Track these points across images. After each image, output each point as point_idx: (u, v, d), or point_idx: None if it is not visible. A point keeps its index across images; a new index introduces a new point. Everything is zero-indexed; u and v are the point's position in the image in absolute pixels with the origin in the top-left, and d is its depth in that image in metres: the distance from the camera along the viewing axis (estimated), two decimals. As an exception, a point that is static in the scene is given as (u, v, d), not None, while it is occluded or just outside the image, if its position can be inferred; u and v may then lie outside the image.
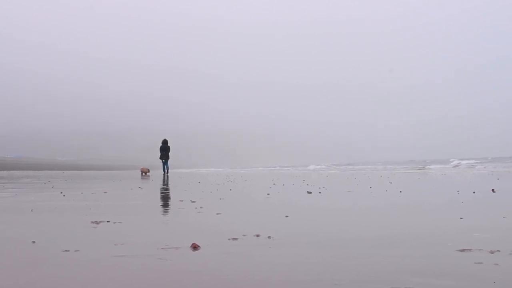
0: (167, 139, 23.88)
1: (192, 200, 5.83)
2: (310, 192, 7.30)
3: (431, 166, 31.27)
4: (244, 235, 3.09)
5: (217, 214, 4.43)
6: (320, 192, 7.41)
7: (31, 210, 4.82)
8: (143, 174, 23.18)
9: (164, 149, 23.66)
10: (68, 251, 2.62)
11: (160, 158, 23.59)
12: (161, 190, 8.95)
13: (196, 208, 4.97)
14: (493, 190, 7.04)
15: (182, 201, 5.90)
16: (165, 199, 6.84)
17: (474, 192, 7.09)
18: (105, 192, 7.71)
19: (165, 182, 13.21)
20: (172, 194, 7.89)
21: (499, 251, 2.53)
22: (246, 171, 34.44)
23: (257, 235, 3.09)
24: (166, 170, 23.43)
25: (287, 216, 4.14)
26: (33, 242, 2.90)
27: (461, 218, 3.95)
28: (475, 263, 2.29)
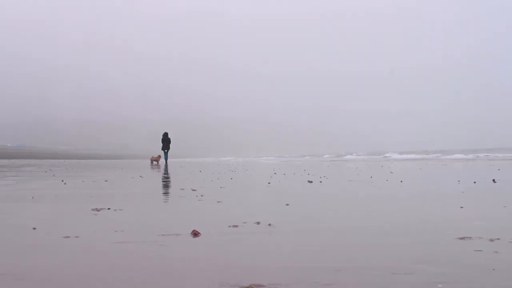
0: (167, 131, 25.66)
1: (193, 189, 5.84)
2: (311, 182, 7.31)
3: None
4: (244, 223, 3.10)
5: (217, 202, 4.44)
6: (321, 182, 7.41)
7: (32, 198, 4.83)
8: (153, 162, 24.02)
9: (165, 141, 26.01)
10: (69, 237, 2.62)
11: (162, 148, 25.76)
12: (163, 179, 8.96)
13: (196, 196, 4.98)
14: (494, 180, 7.04)
15: (183, 189, 5.91)
16: (166, 187, 6.85)
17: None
18: (106, 181, 7.73)
19: (166, 170, 13.24)
20: (173, 182, 7.90)
21: (499, 239, 2.53)
22: (248, 161, 34.48)
23: (258, 223, 3.09)
24: (166, 159, 25.25)
25: (287, 205, 4.15)
26: (34, 228, 2.91)
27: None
28: (474, 250, 2.30)
